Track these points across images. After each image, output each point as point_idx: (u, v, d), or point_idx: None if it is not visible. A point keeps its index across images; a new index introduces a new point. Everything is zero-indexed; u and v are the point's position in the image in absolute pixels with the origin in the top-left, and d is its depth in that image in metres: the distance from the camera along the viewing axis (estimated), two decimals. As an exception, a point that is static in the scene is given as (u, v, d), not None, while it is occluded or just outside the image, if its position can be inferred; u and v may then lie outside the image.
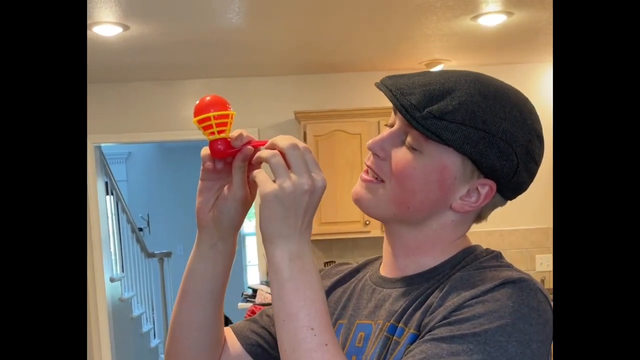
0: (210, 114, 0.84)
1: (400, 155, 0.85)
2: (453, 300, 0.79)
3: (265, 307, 1.10)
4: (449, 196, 0.86)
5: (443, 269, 0.89)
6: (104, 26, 3.04)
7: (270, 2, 2.90)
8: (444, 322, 0.77)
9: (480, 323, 0.75)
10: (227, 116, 0.84)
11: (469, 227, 0.93)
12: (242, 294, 4.20)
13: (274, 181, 0.77)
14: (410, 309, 0.85)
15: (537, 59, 4.29)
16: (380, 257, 1.01)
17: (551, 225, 4.43)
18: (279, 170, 0.77)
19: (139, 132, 4.50)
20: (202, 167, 0.89)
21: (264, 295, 3.78)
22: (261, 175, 0.79)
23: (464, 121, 0.81)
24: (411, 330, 0.82)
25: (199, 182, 0.91)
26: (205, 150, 0.87)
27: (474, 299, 0.77)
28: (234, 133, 0.85)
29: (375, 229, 4.15)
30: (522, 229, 4.45)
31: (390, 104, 0.85)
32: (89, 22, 2.97)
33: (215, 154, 0.85)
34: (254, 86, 4.45)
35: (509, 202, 0.95)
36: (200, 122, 0.85)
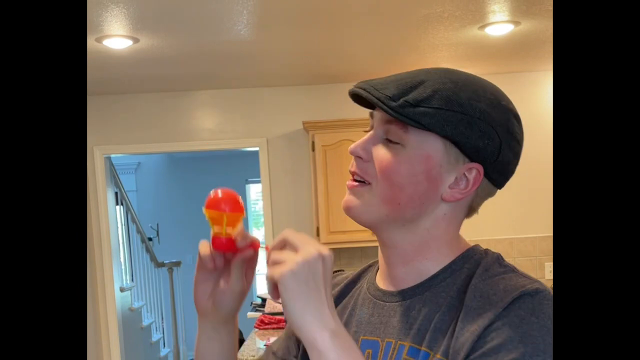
0: (225, 214, 0.86)
1: (382, 152, 0.85)
2: (477, 324, 0.77)
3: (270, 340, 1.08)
4: (437, 187, 0.86)
5: (444, 275, 0.87)
6: (115, 39, 3.08)
7: (278, 14, 2.92)
8: (478, 353, 0.75)
9: (514, 347, 0.74)
10: (239, 217, 0.86)
11: (461, 221, 0.92)
12: (252, 303, 4.21)
13: None
14: (430, 330, 0.83)
15: (544, 67, 4.30)
16: (375, 263, 1.00)
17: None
18: (287, 255, 0.77)
19: (149, 143, 4.54)
20: (198, 260, 0.91)
21: (273, 305, 3.78)
22: (271, 270, 0.78)
23: (440, 106, 0.81)
24: (437, 356, 0.80)
25: (196, 272, 0.92)
26: (204, 248, 0.89)
27: (498, 321, 0.76)
28: (239, 232, 0.87)
29: (384, 238, 4.15)
30: (532, 237, 4.44)
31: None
32: (99, 35, 3.01)
33: (217, 247, 0.88)
34: (263, 96, 4.48)
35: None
36: (211, 215, 0.87)
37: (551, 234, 4.40)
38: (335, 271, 1.06)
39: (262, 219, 4.71)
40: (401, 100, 0.82)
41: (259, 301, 4.10)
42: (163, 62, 3.64)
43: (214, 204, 0.87)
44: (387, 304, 0.91)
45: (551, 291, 0.79)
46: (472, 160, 0.85)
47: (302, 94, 4.47)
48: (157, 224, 7.10)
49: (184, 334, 5.93)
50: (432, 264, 0.89)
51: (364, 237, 4.17)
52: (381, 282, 0.94)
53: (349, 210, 0.89)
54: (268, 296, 3.99)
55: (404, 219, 0.87)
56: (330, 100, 4.45)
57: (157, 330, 6.10)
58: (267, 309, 3.78)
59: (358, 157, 0.88)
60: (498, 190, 0.91)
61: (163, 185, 7.15)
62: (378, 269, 0.98)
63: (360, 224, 0.90)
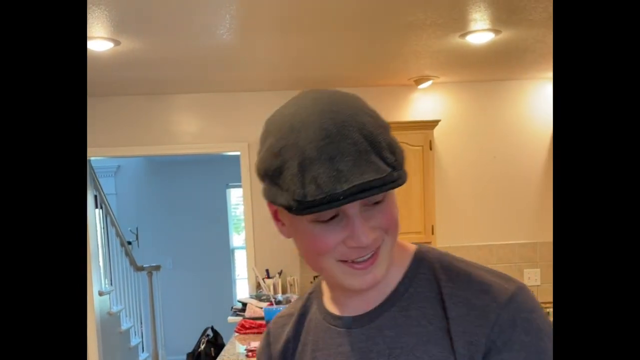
0: None
1: (376, 215, 0.82)
2: (474, 334, 0.79)
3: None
4: None
5: (404, 287, 0.87)
6: (96, 41, 3.06)
7: (260, 19, 2.93)
8: None
9: (534, 346, 0.77)
10: None
11: None
12: (232, 307, 4.19)
13: None
14: (417, 344, 0.82)
15: (525, 75, 4.35)
16: (313, 292, 0.98)
17: (539, 240, 4.49)
18: None
19: (130, 146, 4.51)
20: None
21: (253, 309, 3.77)
22: None
23: (390, 141, 0.80)
24: None
25: None
26: None
27: (508, 327, 0.78)
28: None
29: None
30: (511, 244, 4.48)
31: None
32: (81, 37, 2.99)
33: None
34: (245, 101, 4.48)
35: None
36: None
37: (530, 240, 4.46)
38: (278, 317, 1.04)
39: (243, 224, 4.70)
40: (395, 164, 0.78)
41: (239, 305, 4.09)
42: (144, 65, 3.62)
43: None
44: (353, 330, 0.88)
45: (523, 284, 0.83)
46: None
47: (284, 99, 4.41)
48: (137, 228, 7.05)
49: (163, 338, 5.89)
50: (393, 275, 0.87)
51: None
52: (335, 308, 0.92)
53: (377, 283, 0.84)
54: (249, 300, 3.98)
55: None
56: (313, 106, 4.46)
57: (136, 335, 6.05)
58: (247, 314, 3.76)
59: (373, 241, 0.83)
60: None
61: (143, 189, 7.10)
62: (321, 293, 0.96)
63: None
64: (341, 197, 0.74)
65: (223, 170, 6.74)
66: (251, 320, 3.60)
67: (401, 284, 0.87)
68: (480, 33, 3.22)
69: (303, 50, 3.50)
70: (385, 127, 0.81)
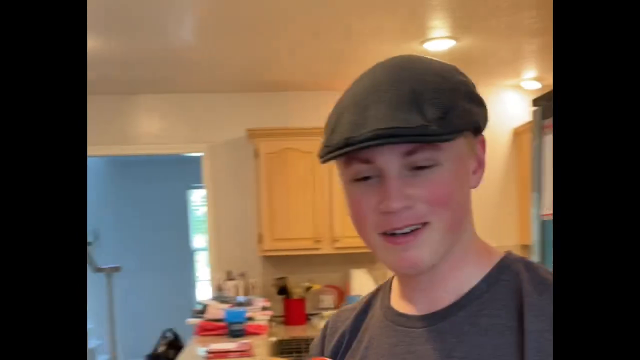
0: None
1: (424, 183, 0.73)
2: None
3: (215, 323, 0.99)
4: (469, 180, 0.78)
5: (479, 292, 0.76)
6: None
7: (223, 21, 2.94)
8: None
9: None
10: None
11: None
12: (192, 309, 4.18)
13: None
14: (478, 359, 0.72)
15: (485, 82, 4.44)
16: (384, 285, 0.89)
17: (502, 244, 4.52)
18: None
19: (91, 145, 4.45)
20: None
21: (214, 311, 3.77)
22: None
23: (451, 102, 0.72)
24: None
25: None
26: None
27: None
28: None
29: (327, 247, 4.21)
30: (501, 247, 4.54)
31: None
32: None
33: None
34: (207, 102, 4.47)
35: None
36: None
37: (518, 243, 4.50)
38: (342, 310, 0.95)
39: (204, 225, 4.69)
40: (434, 121, 0.70)
41: (199, 307, 4.08)
42: (106, 64, 3.60)
43: None
44: (413, 330, 0.79)
45: None
46: (479, 134, 0.79)
47: (246, 101, 4.49)
48: (97, 228, 6.96)
49: (122, 341, 5.83)
50: (468, 277, 0.78)
51: (306, 245, 4.22)
52: (402, 305, 0.83)
53: (417, 266, 0.75)
54: (210, 302, 3.98)
55: (461, 234, 0.78)
56: (275, 109, 4.48)
57: (94, 337, 5.98)
58: (208, 316, 3.76)
59: (405, 208, 0.73)
60: None
61: (104, 189, 7.01)
62: (390, 290, 0.87)
63: (424, 273, 0.77)
64: (357, 142, 0.70)
65: (184, 171, 6.70)
66: (211, 322, 3.60)
67: (477, 287, 0.77)
68: (440, 40, 3.29)
69: (264, 53, 3.52)
70: (453, 90, 0.73)
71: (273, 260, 4.46)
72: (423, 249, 0.74)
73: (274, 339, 3.65)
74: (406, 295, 0.82)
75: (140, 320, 6.67)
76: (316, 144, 3.66)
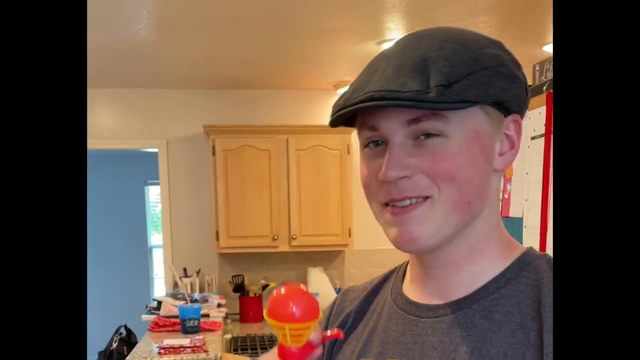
0: (286, 325, 0.70)
1: (428, 154, 0.70)
2: None
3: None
4: (492, 160, 0.73)
5: (497, 285, 0.72)
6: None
7: (178, 16, 2.93)
8: None
9: None
10: (307, 327, 0.71)
11: None
12: (147, 306, 4.16)
13: None
14: (490, 356, 0.68)
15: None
16: (398, 268, 0.86)
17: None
18: None
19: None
20: None
21: (168, 308, 3.76)
22: None
23: (467, 72, 0.68)
24: None
25: None
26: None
27: None
28: (313, 337, 0.73)
29: (284, 244, 4.23)
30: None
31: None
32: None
33: (286, 358, 0.73)
34: (163, 98, 4.45)
35: None
36: (271, 324, 0.71)
37: None
38: (349, 289, 0.92)
39: (160, 223, 4.66)
40: (433, 87, 0.67)
41: (154, 304, 4.06)
42: (61, 58, 3.55)
43: (273, 312, 0.71)
44: (422, 319, 0.75)
45: None
46: (508, 113, 0.73)
47: (203, 97, 4.47)
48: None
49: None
50: (485, 269, 0.74)
51: (263, 242, 4.23)
52: (412, 292, 0.79)
53: (416, 242, 0.72)
54: (164, 299, 3.97)
55: (471, 217, 0.73)
56: (232, 106, 4.48)
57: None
58: (162, 312, 3.75)
59: (402, 178, 0.70)
60: None
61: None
62: (404, 275, 0.83)
63: (426, 252, 0.74)
64: (351, 105, 0.69)
65: (141, 167, 6.64)
66: (165, 319, 3.59)
67: (494, 281, 0.73)
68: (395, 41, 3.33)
69: (221, 49, 3.52)
70: (473, 60, 0.69)
71: (229, 258, 4.46)
72: (423, 225, 0.71)
73: (229, 336, 3.65)
74: (419, 283, 0.78)
75: (95, 317, 6.58)
76: (273, 141, 3.78)
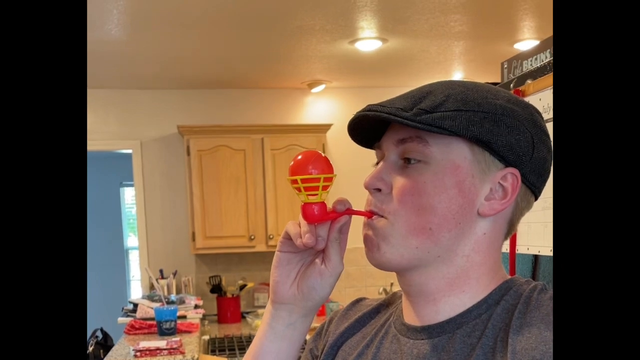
0: (321, 176, 0.75)
1: (403, 176, 0.74)
2: (533, 333, 0.66)
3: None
4: (473, 201, 0.73)
5: (479, 311, 0.74)
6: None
7: (150, 16, 2.92)
8: None
9: None
10: (332, 179, 0.75)
11: (502, 242, 0.79)
12: (123, 308, 4.13)
13: None
14: None
15: (412, 83, 4.53)
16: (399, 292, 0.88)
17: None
18: None
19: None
20: (282, 240, 0.79)
21: (145, 310, 3.74)
22: None
23: (458, 107, 0.71)
24: None
25: (277, 253, 0.79)
26: (293, 226, 0.78)
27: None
28: (336, 199, 0.77)
29: (261, 244, 4.22)
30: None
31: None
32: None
33: (310, 219, 0.75)
34: (137, 98, 4.41)
35: None
36: (302, 181, 0.75)
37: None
38: (359, 299, 0.94)
39: (136, 223, 4.63)
40: (415, 109, 0.71)
41: (130, 307, 4.03)
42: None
43: (303, 168, 0.75)
44: (409, 340, 0.77)
45: None
46: (506, 164, 0.73)
47: (177, 97, 4.45)
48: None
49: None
50: (468, 297, 0.75)
51: (240, 242, 4.22)
52: (407, 314, 0.81)
53: (379, 260, 0.75)
54: (140, 301, 3.94)
55: (439, 248, 0.74)
56: (206, 106, 4.46)
57: None
58: (138, 314, 3.73)
59: (376, 190, 0.76)
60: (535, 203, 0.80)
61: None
62: None
63: (390, 269, 0.76)
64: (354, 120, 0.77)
65: (117, 168, 6.59)
66: (141, 321, 3.57)
67: (477, 306, 0.74)
68: (368, 41, 3.36)
69: (195, 49, 3.51)
70: (472, 102, 0.72)
71: (206, 259, 4.45)
72: (384, 243, 0.74)
73: (206, 337, 3.64)
74: (407, 306, 0.81)
75: (70, 321, 6.52)
76: (248, 141, 3.77)
